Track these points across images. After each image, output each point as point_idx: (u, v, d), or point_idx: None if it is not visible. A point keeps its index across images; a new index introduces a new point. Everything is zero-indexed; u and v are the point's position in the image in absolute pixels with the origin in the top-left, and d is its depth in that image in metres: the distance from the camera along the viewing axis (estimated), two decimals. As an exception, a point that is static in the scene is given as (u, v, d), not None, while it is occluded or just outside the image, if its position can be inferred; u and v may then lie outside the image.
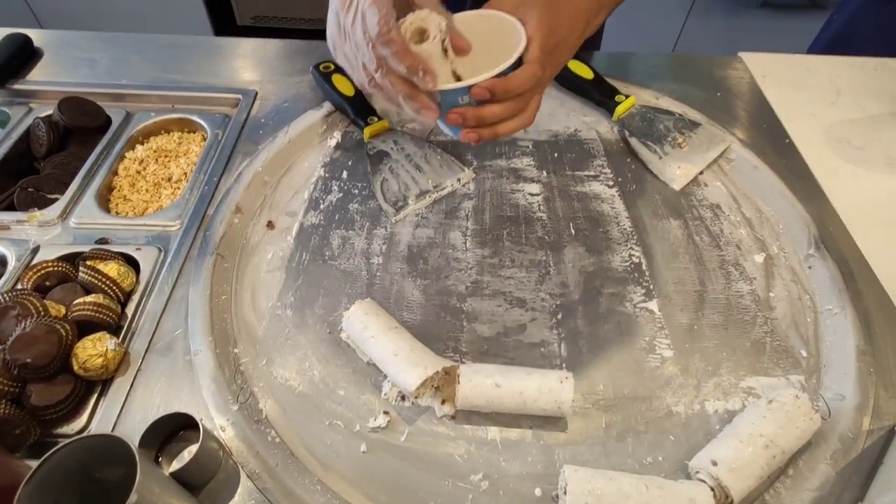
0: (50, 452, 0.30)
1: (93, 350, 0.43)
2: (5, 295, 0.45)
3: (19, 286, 0.49)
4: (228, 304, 0.50)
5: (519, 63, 0.39)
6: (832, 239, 0.56)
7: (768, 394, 0.45)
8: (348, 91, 0.66)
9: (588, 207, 0.60)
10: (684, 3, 1.81)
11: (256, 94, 0.71)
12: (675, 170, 0.62)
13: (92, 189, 0.59)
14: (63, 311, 0.46)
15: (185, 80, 0.72)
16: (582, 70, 0.71)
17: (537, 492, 0.41)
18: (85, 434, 0.33)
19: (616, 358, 0.48)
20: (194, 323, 0.47)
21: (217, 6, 2.10)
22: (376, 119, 0.64)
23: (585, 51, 0.77)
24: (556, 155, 0.65)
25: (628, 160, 0.65)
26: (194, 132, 0.68)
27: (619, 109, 0.67)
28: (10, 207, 0.58)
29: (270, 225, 0.57)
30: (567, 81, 0.72)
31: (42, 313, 0.44)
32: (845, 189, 0.62)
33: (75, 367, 0.42)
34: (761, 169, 0.62)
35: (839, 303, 0.50)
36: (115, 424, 0.42)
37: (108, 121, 0.67)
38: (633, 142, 0.65)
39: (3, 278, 0.51)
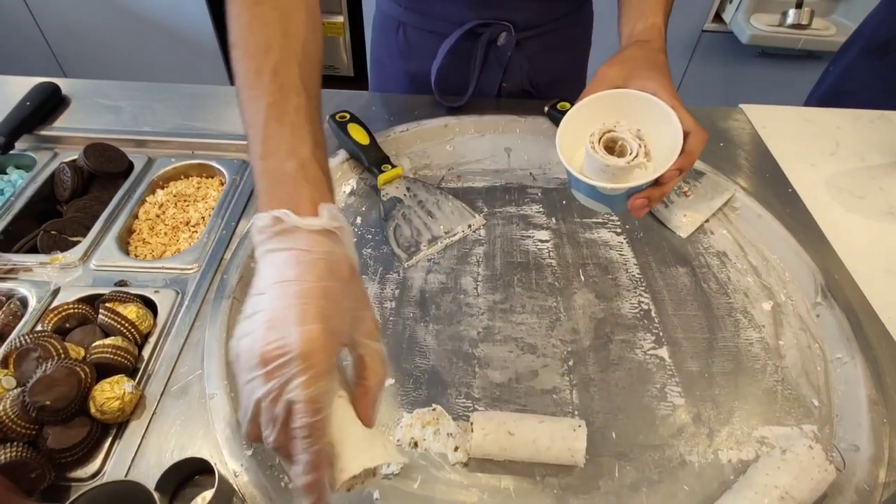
0: (75, 497, 0.30)
1: (110, 393, 0.43)
2: (27, 337, 0.46)
3: (39, 328, 0.50)
4: (244, 347, 0.51)
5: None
6: (838, 288, 0.56)
7: (782, 443, 0.45)
8: (363, 140, 0.69)
9: (597, 254, 0.61)
10: (684, 52, 1.88)
11: (274, 141, 0.73)
12: (682, 217, 0.64)
13: (113, 232, 0.60)
14: (82, 353, 0.47)
15: (204, 128, 0.75)
16: (588, 120, 0.73)
17: (551, 544, 0.40)
18: (105, 480, 0.33)
19: (628, 405, 0.48)
20: (210, 366, 0.48)
21: (233, 53, 2.17)
22: (390, 167, 0.66)
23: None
24: (564, 202, 0.67)
25: (635, 207, 0.67)
26: (213, 177, 0.71)
27: (625, 159, 0.69)
28: (34, 249, 0.59)
29: (286, 269, 0.58)
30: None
31: (63, 356, 0.44)
32: (848, 238, 0.63)
33: (92, 410, 0.43)
34: (766, 217, 0.63)
35: (848, 352, 0.51)
36: (129, 468, 0.42)
37: (131, 166, 0.69)
38: (640, 190, 0.67)
39: (24, 319, 0.52)
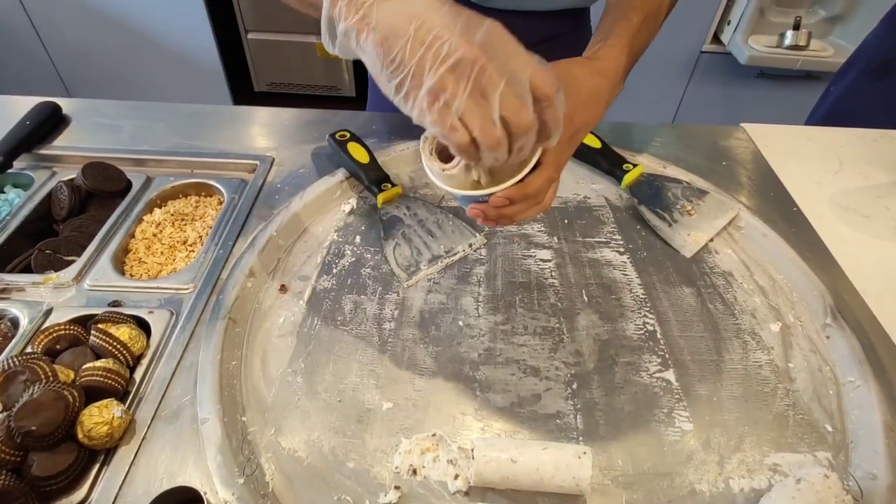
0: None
1: (99, 418, 0.42)
2: (15, 359, 0.44)
3: (29, 349, 0.49)
4: (238, 370, 0.50)
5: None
6: (848, 308, 0.55)
7: (795, 472, 0.43)
8: (363, 158, 0.68)
9: (600, 274, 0.60)
10: (684, 72, 1.90)
11: (273, 160, 0.73)
12: (686, 237, 0.63)
13: (108, 252, 0.60)
14: (72, 375, 0.45)
15: (204, 147, 0.75)
16: (589, 139, 0.73)
17: (557, 579, 0.38)
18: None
19: (634, 431, 0.46)
20: (203, 389, 0.47)
21: (236, 74, 2.21)
22: (390, 186, 0.66)
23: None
24: (566, 221, 0.66)
25: (638, 227, 0.66)
26: (211, 196, 0.70)
27: (628, 178, 0.68)
28: (28, 269, 0.58)
29: (283, 289, 0.57)
30: (575, 151, 0.74)
31: (51, 379, 0.43)
32: (856, 258, 0.62)
33: (80, 436, 0.41)
34: (771, 237, 0.62)
35: (861, 375, 0.49)
36: (116, 497, 0.40)
37: (129, 185, 0.68)
38: (643, 209, 0.66)
39: (14, 340, 0.50)
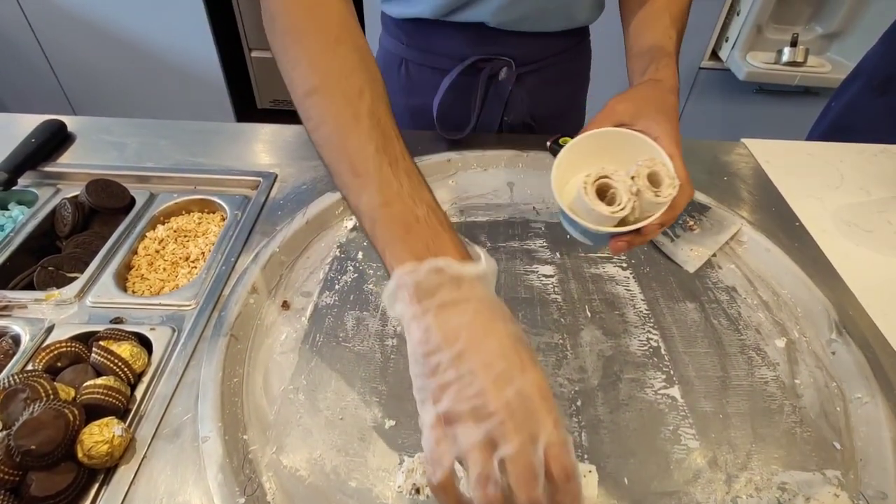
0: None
1: (99, 436, 0.41)
2: (16, 377, 0.44)
3: (30, 367, 0.48)
4: (240, 387, 0.49)
5: None
6: (853, 323, 0.55)
7: (804, 490, 0.42)
8: (365, 174, 0.68)
9: (603, 289, 0.60)
10: (683, 88, 1.91)
11: (276, 176, 0.73)
12: (688, 252, 0.63)
13: (111, 268, 0.60)
14: (72, 393, 0.45)
15: (208, 163, 0.75)
16: (591, 155, 0.73)
17: None
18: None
19: (640, 449, 0.46)
20: (204, 407, 0.46)
21: (239, 91, 2.23)
22: (392, 201, 0.66)
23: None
24: (568, 236, 0.65)
25: (640, 242, 0.66)
26: (214, 213, 0.70)
27: (629, 193, 0.69)
28: (30, 286, 0.59)
29: (285, 305, 0.57)
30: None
31: (52, 397, 0.43)
32: (860, 272, 0.61)
33: (79, 455, 0.41)
34: (774, 252, 0.62)
35: (868, 391, 0.49)
36: (114, 518, 0.40)
37: (133, 202, 0.69)
38: (645, 224, 0.66)
39: (15, 358, 0.50)
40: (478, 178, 0.75)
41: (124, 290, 0.59)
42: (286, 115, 2.37)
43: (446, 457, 0.30)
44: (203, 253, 0.64)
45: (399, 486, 0.43)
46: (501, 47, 0.72)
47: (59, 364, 0.48)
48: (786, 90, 1.80)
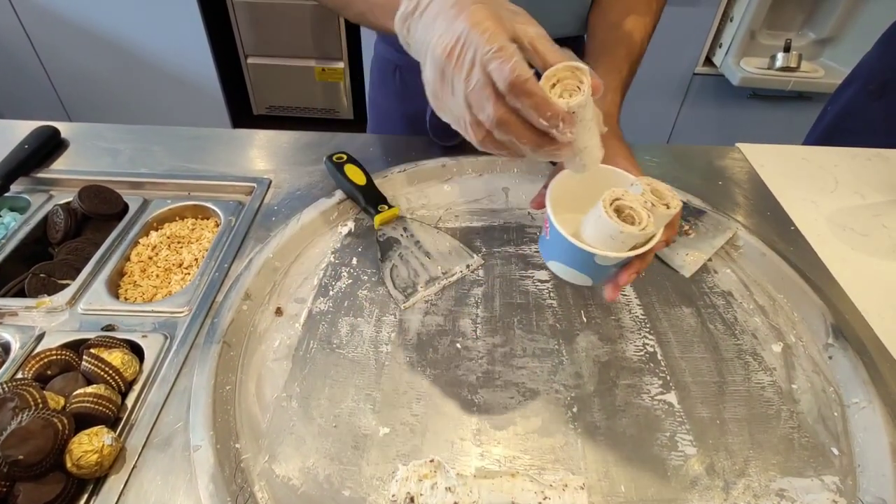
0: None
1: (88, 446, 0.41)
2: (5, 385, 0.43)
3: (20, 375, 0.48)
4: (232, 395, 0.49)
5: None
6: (850, 328, 0.55)
7: (802, 497, 0.42)
8: (360, 180, 0.68)
9: (598, 294, 0.59)
10: (677, 94, 1.92)
11: (270, 182, 0.73)
12: (684, 257, 0.62)
13: (103, 275, 0.59)
14: (62, 402, 0.44)
15: (202, 169, 0.75)
16: (586, 160, 0.73)
17: None
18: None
19: (637, 456, 0.45)
20: (196, 415, 0.46)
21: (235, 98, 2.23)
22: (387, 207, 0.66)
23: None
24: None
25: (636, 247, 0.66)
26: (208, 219, 0.70)
27: (624, 198, 0.69)
28: (21, 293, 0.58)
29: (279, 311, 0.57)
30: (572, 171, 0.74)
31: (41, 406, 0.42)
32: (855, 276, 0.61)
33: (68, 465, 0.40)
34: (770, 256, 0.62)
35: (866, 396, 0.48)
36: (103, 529, 0.39)
37: (126, 208, 0.68)
38: (640, 229, 0.66)
39: (5, 366, 0.49)
40: (473, 183, 0.75)
41: (116, 297, 0.58)
42: (282, 121, 2.37)
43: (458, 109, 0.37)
44: (196, 259, 0.63)
45: (393, 496, 0.42)
46: None
47: (49, 372, 0.47)
48: (779, 95, 1.81)
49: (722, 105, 1.92)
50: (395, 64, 0.77)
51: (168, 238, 0.65)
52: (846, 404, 0.49)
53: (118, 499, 0.41)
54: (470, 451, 0.45)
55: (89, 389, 0.45)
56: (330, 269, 0.62)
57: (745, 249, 0.65)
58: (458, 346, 0.54)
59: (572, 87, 0.36)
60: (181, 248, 0.65)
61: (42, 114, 2.10)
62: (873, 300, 0.58)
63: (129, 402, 0.47)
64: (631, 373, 0.52)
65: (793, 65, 1.69)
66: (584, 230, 0.42)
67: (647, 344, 0.54)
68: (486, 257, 0.63)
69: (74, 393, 0.44)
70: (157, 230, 0.67)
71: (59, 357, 0.48)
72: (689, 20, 1.72)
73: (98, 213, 0.66)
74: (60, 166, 0.75)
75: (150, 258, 0.63)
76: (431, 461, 0.44)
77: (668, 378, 0.51)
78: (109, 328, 0.54)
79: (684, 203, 0.69)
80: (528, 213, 0.70)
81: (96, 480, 0.42)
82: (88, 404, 0.43)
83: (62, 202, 0.67)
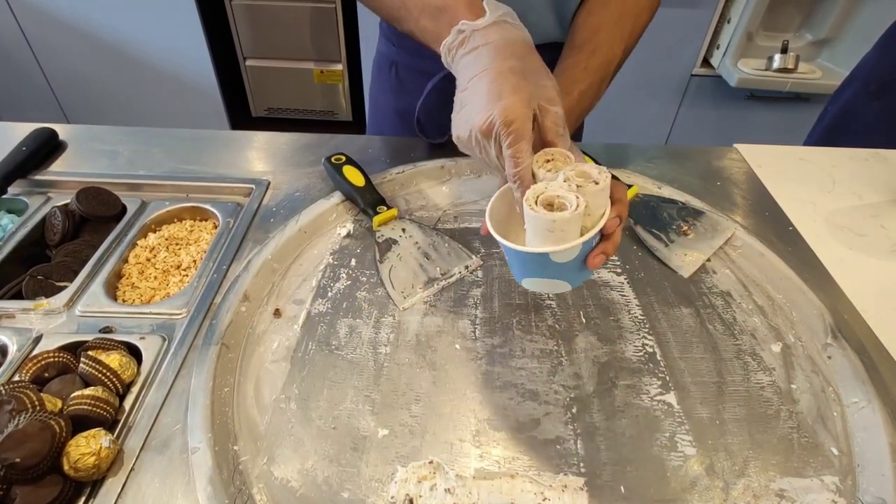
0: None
1: (86, 448, 0.41)
2: (1, 388, 0.43)
3: (17, 377, 0.48)
4: (231, 396, 0.48)
5: None
6: (848, 328, 0.55)
7: (802, 497, 0.42)
8: (359, 182, 0.68)
9: (597, 295, 0.59)
10: (675, 95, 1.92)
11: (269, 183, 0.73)
12: (683, 257, 0.63)
13: (101, 277, 0.59)
14: (59, 404, 0.44)
15: (200, 171, 0.75)
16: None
17: None
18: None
19: (636, 456, 0.45)
20: (194, 417, 0.45)
21: (234, 100, 2.23)
22: (385, 208, 0.66)
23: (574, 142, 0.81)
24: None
25: (634, 247, 0.66)
26: (206, 220, 0.70)
27: (623, 198, 0.69)
28: (19, 295, 0.58)
29: (277, 313, 0.56)
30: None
31: (38, 408, 0.42)
32: (854, 276, 0.61)
33: (66, 467, 0.40)
34: (768, 256, 0.62)
35: (865, 396, 0.48)
36: (101, 532, 0.39)
37: (124, 209, 0.68)
38: (639, 230, 0.66)
39: (2, 369, 0.49)
40: (471, 184, 0.75)
41: (114, 298, 0.58)
42: (281, 123, 2.37)
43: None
44: (195, 261, 0.63)
45: (392, 497, 0.42)
46: None
47: (46, 375, 0.47)
48: (777, 96, 1.82)
49: (720, 106, 1.92)
50: (392, 60, 0.77)
51: (166, 240, 0.65)
52: (845, 404, 0.49)
53: (116, 501, 0.41)
54: (469, 452, 0.45)
55: (87, 392, 0.44)
56: (328, 271, 0.61)
57: (743, 250, 0.65)
58: (457, 346, 0.54)
59: (562, 168, 0.41)
60: (179, 249, 0.65)
61: (40, 116, 2.10)
62: (872, 300, 0.58)
63: (127, 404, 0.47)
64: (630, 373, 0.52)
65: (790, 66, 1.69)
66: (527, 239, 0.42)
67: (646, 344, 0.54)
68: (484, 258, 0.63)
69: (72, 395, 0.44)
70: (155, 232, 0.67)
71: (56, 359, 0.48)
72: (687, 21, 1.72)
73: (96, 215, 0.66)
74: (58, 168, 0.75)
75: (149, 260, 0.63)
76: (430, 462, 0.44)
77: (668, 378, 0.51)
78: (107, 330, 0.54)
79: (683, 203, 0.69)
80: (527, 213, 0.70)
81: (94, 483, 0.42)
82: (86, 406, 0.43)
83: (60, 204, 0.67)
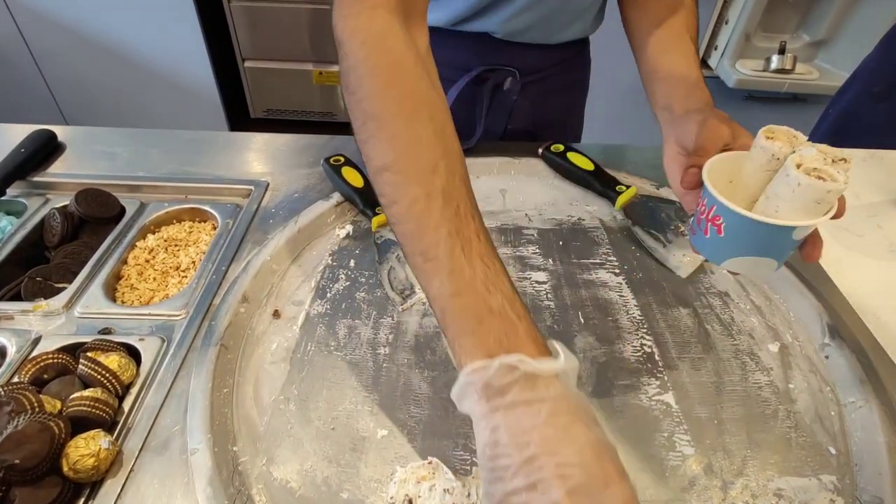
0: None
1: (85, 450, 0.41)
2: (1, 389, 0.43)
3: (16, 379, 0.48)
4: (230, 397, 0.48)
5: None
6: (846, 327, 0.55)
7: (801, 497, 0.42)
8: (358, 182, 0.68)
9: (596, 295, 0.59)
10: (673, 97, 1.92)
11: (268, 184, 0.73)
12: (681, 257, 0.63)
13: (100, 278, 0.59)
14: (58, 406, 0.44)
15: (199, 172, 0.75)
16: (582, 162, 0.74)
17: None
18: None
19: (635, 456, 0.46)
20: (193, 418, 0.45)
21: (232, 101, 2.23)
22: (384, 209, 0.66)
23: (572, 142, 0.81)
24: (560, 243, 0.66)
25: (633, 248, 0.66)
26: (205, 222, 0.70)
27: (621, 199, 0.69)
28: (18, 297, 0.58)
29: (276, 314, 0.57)
30: (569, 173, 0.74)
31: (37, 409, 0.42)
32: (851, 276, 0.62)
33: (65, 469, 0.40)
34: (766, 256, 0.62)
35: (862, 395, 0.48)
36: (100, 533, 0.39)
37: (123, 211, 0.68)
38: (637, 230, 0.66)
39: (1, 370, 0.49)
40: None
41: (113, 300, 0.58)
42: (279, 124, 2.37)
43: None
44: (194, 262, 0.63)
45: (391, 497, 0.42)
46: (506, 58, 0.72)
47: (45, 376, 0.47)
48: (775, 97, 1.82)
49: (718, 107, 1.90)
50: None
51: (165, 241, 0.65)
52: (843, 403, 0.49)
53: (115, 503, 0.41)
54: (468, 452, 0.45)
55: (86, 393, 0.44)
56: (328, 272, 0.62)
57: (741, 250, 0.65)
58: (456, 347, 0.54)
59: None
60: (178, 251, 0.65)
61: (39, 117, 2.10)
62: (869, 300, 0.59)
63: (126, 405, 0.47)
64: (628, 373, 0.52)
65: (787, 67, 1.69)
66: (767, 207, 0.39)
67: (645, 344, 0.54)
68: (483, 259, 0.63)
69: (71, 396, 0.44)
70: (154, 233, 0.67)
71: (55, 361, 0.48)
72: (685, 23, 1.73)
73: (95, 217, 0.66)
74: (57, 170, 0.75)
75: (148, 261, 0.63)
76: (429, 463, 0.44)
77: (666, 378, 0.51)
78: (106, 331, 0.54)
79: (680, 204, 0.69)
80: (526, 214, 0.70)
81: (93, 484, 0.42)
82: (85, 408, 0.43)
83: (59, 206, 0.67)
